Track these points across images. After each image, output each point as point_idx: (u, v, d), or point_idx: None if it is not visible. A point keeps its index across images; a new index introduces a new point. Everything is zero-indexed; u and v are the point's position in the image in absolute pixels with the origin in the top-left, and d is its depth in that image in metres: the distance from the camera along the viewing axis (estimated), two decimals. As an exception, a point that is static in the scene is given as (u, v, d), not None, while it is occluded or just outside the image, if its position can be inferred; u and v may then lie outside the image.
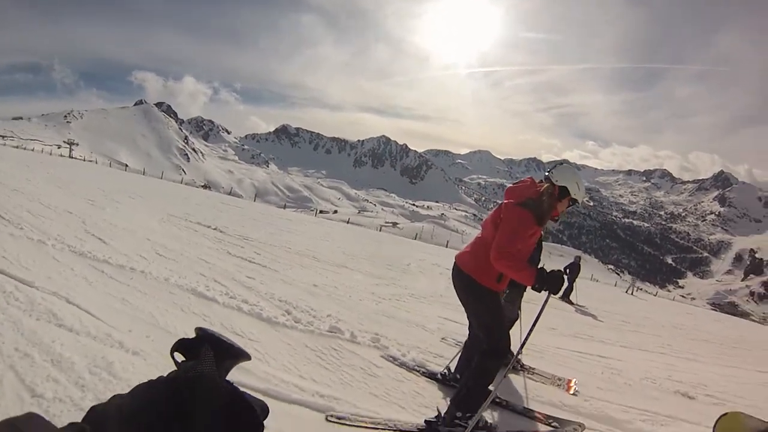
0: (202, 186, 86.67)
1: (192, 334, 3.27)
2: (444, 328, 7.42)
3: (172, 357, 0.57)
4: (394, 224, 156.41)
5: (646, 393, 6.46)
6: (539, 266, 3.74)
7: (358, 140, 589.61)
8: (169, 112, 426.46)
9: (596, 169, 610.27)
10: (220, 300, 6.45)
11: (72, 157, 73.59)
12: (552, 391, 5.48)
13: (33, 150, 71.51)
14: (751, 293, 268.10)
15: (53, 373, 3.46)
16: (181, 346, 0.58)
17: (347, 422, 3.88)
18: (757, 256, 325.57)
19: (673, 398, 6.65)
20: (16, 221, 8.93)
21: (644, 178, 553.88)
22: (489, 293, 3.95)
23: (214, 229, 13.77)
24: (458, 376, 4.82)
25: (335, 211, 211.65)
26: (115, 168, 62.50)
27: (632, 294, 33.22)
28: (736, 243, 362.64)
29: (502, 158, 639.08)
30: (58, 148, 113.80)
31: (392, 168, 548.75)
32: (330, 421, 3.88)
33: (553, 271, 3.60)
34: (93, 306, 5.06)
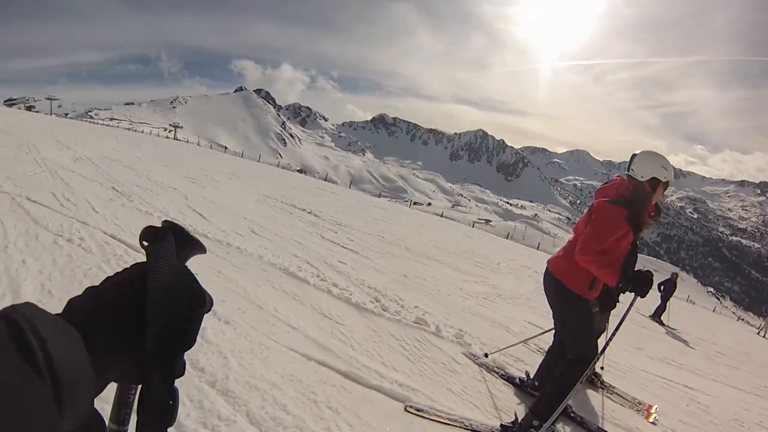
0: (298, 170, 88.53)
1: (280, 309, 3.35)
2: (527, 332, 7.26)
3: (141, 244, 0.61)
4: (487, 221, 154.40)
5: None
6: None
7: (455, 133, 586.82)
8: (268, 98, 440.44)
9: (704, 177, 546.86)
10: (311, 281, 6.60)
11: (176, 139, 76.98)
12: (630, 415, 5.24)
13: (142, 132, 75.32)
14: None
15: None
16: (147, 233, 0.62)
17: (424, 414, 3.87)
18: None
19: None
20: (127, 194, 9.60)
21: (759, 191, 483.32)
22: (579, 300, 3.81)
23: (309, 212, 14.09)
24: (536, 383, 4.72)
25: (429, 204, 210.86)
26: (215, 150, 64.95)
27: (765, 336, 29.71)
28: None
29: (601, 159, 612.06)
30: (165, 130, 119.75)
31: (488, 163, 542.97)
32: (408, 411, 3.88)
33: (640, 270, 3.48)
34: (191, 276, 5.31)
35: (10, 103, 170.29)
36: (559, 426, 4.33)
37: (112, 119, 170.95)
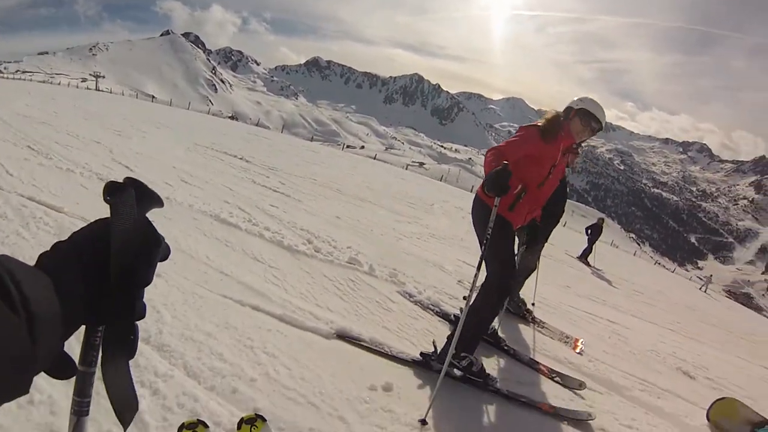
0: (230, 117, 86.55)
1: (212, 256, 3.35)
2: (461, 271, 7.43)
3: (105, 199, 0.70)
4: (421, 164, 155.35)
5: (649, 364, 6.50)
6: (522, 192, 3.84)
7: (391, 77, 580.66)
8: (197, 42, 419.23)
9: (632, 132, 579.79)
10: (242, 226, 6.58)
11: (98, 90, 73.00)
12: (559, 347, 5.52)
13: (59, 84, 71.27)
14: None
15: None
16: (109, 188, 0.70)
17: (354, 340, 4.01)
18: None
19: (674, 374, 6.69)
20: (44, 152, 9.10)
21: (681, 150, 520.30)
22: (498, 218, 3.61)
23: (240, 158, 13.90)
24: None
25: (362, 147, 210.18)
26: (141, 99, 62.53)
27: (705, 291, 31.02)
28: (764, 234, 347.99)
29: (536, 108, 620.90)
30: (83, 81, 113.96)
31: (423, 107, 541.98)
32: (338, 336, 4.02)
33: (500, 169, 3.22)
34: (119, 230, 5.18)
35: None
36: (493, 358, 4.52)
37: (24, 72, 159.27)
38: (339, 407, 3.11)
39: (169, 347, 3.26)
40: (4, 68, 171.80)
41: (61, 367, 0.65)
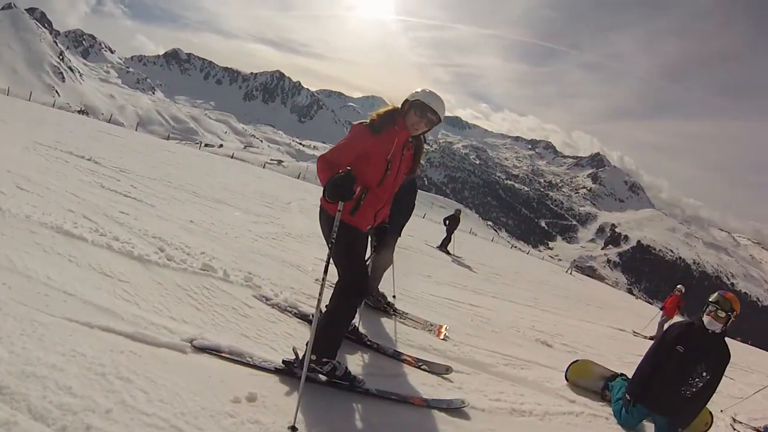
0: (79, 111, 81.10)
1: (53, 275, 3.14)
2: (319, 270, 7.46)
3: None
4: (279, 162, 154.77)
5: (510, 340, 7.01)
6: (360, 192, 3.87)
7: (252, 73, 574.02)
8: (43, 20, 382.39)
9: (486, 130, 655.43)
10: (88, 238, 6.14)
11: None
12: (423, 336, 5.75)
13: None
14: (608, 260, 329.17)
15: None
16: None
17: (211, 351, 3.94)
18: (616, 230, 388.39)
19: (534, 345, 7.31)
20: None
21: (530, 146, 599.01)
22: (343, 226, 3.73)
23: (88, 159, 13.02)
24: None
25: (221, 145, 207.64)
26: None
27: (571, 274, 33.93)
28: (601, 217, 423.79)
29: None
30: None
31: (283, 105, 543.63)
32: (195, 347, 3.94)
33: (343, 174, 3.42)
34: (-65, 251, 4.67)
35: None
36: (357, 354, 4.60)
37: None
38: (203, 425, 3.04)
39: (8, 389, 2.93)
40: None
41: None
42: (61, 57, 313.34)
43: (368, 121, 3.90)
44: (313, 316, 4.86)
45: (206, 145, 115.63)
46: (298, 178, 41.72)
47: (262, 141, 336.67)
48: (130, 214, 8.02)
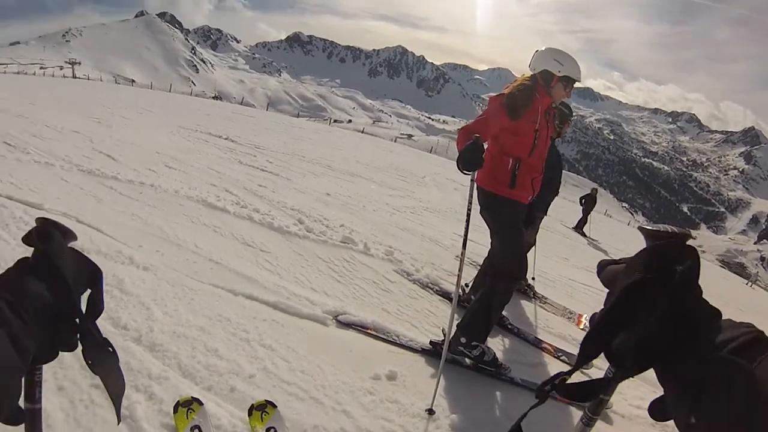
0: (213, 97, 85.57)
1: (200, 244, 3.17)
2: (458, 246, 7.32)
3: (29, 242, 0.80)
4: (410, 136, 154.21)
5: None
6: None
7: (374, 49, 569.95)
8: (173, 22, 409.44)
9: (620, 102, 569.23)
10: (230, 210, 6.40)
11: (75, 77, 71.13)
12: (562, 324, 5.36)
13: (34, 74, 69.46)
14: (762, 258, 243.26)
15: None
16: (37, 234, 0.79)
17: (356, 327, 3.87)
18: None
19: None
20: (21, 146, 8.64)
21: (670, 120, 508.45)
22: (499, 201, 3.64)
23: (225, 138, 13.66)
24: (472, 297, 4.57)
25: (350, 121, 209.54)
26: (121, 84, 61.46)
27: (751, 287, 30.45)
28: (755, 205, 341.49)
29: None
30: (60, 69, 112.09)
31: (408, 79, 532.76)
32: (340, 322, 3.89)
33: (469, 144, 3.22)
34: (103, 223, 5.01)
35: None
36: (498, 338, 4.37)
37: None
38: (342, 400, 2.98)
39: (161, 346, 3.10)
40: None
41: (16, 413, 0.68)
42: (193, 51, 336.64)
43: (505, 99, 3.60)
44: (461, 297, 4.68)
45: (335, 121, 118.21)
46: (429, 152, 41.35)
47: (390, 116, 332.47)
48: (267, 188, 8.25)
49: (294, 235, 5.84)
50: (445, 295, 5.00)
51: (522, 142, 3.69)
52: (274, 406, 2.69)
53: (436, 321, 4.36)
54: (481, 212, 3.87)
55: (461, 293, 4.64)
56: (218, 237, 5.38)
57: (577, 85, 3.80)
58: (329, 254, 5.44)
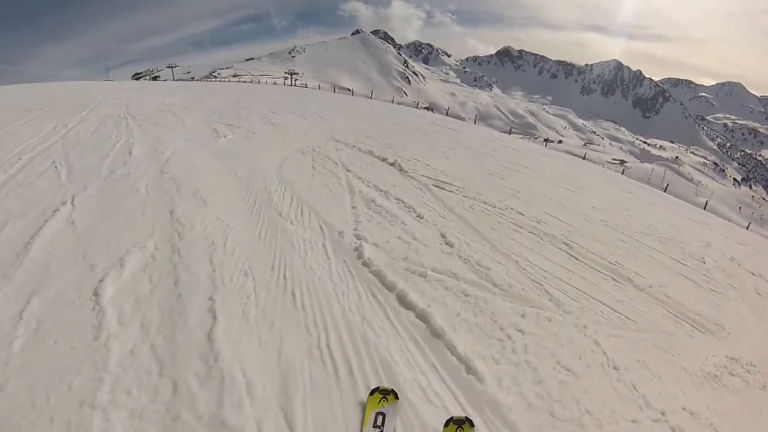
0: (425, 107, 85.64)
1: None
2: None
3: None
4: (622, 162, 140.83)
5: None
6: None
7: (586, 64, 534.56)
8: (387, 38, 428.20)
9: None
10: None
11: (293, 85, 79.70)
12: None
13: (266, 83, 75.61)
14: None
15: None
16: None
17: None
18: None
19: None
20: None
21: None
22: None
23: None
24: None
25: (560, 141, 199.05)
26: (340, 93, 60.40)
27: None
28: None
29: (758, 95, 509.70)
30: (285, 80, 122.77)
31: (623, 98, 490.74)
32: None
33: None
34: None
35: (137, 77, 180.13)
36: None
37: (234, 75, 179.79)
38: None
39: None
40: (218, 74, 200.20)
41: None
42: (405, 65, 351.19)
43: None
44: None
45: (547, 141, 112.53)
46: (646, 183, 31.67)
47: (602, 138, 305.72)
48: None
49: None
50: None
51: None
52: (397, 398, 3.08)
53: None
54: None
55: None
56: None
57: None
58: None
